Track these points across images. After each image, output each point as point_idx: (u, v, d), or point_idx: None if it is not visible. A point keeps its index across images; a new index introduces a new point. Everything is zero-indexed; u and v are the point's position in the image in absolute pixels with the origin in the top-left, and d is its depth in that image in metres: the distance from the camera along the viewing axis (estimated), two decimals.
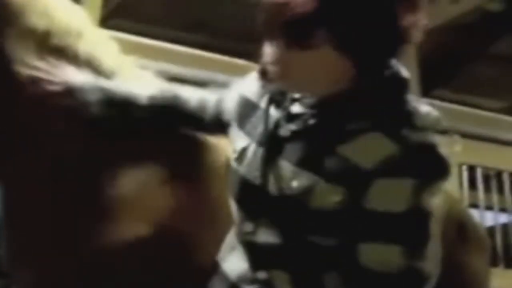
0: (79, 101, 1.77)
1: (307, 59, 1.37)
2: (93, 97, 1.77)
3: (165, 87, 1.90)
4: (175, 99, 1.81)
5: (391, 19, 1.36)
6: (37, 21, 1.79)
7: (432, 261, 1.43)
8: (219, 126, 1.75)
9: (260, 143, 1.53)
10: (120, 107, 1.79)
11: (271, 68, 1.42)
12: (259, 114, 1.56)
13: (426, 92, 6.97)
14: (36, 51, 1.79)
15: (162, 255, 1.75)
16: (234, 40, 6.78)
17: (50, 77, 1.77)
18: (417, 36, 1.39)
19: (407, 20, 1.36)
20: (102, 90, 1.78)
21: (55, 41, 1.82)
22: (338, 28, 1.34)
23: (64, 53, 1.83)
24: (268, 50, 1.43)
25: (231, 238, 1.66)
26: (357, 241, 1.40)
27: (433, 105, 1.49)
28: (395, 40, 1.39)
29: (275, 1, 1.38)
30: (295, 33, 1.35)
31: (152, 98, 1.81)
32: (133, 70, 1.99)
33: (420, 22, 1.39)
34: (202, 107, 1.79)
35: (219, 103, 1.76)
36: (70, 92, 1.77)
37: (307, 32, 1.34)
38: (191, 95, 1.82)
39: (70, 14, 1.88)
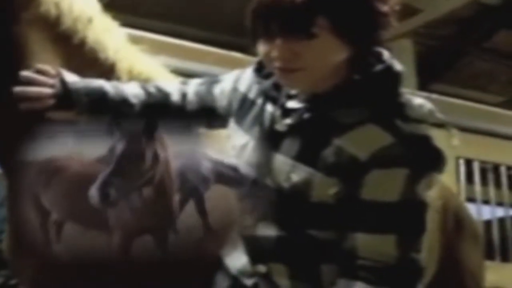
0: (68, 106, 1.64)
1: (312, 49, 1.37)
2: (82, 100, 1.65)
3: (149, 82, 1.86)
4: (161, 95, 1.78)
5: (371, 3, 1.38)
6: (49, 7, 1.76)
7: (425, 254, 1.44)
8: (202, 116, 1.75)
9: (258, 139, 1.53)
10: (109, 108, 1.74)
11: (278, 64, 1.41)
12: (256, 110, 1.57)
13: (423, 85, 6.99)
14: (46, 38, 1.76)
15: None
16: (232, 34, 6.79)
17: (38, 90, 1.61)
18: (393, 22, 1.42)
19: (384, 6, 1.39)
20: (90, 93, 1.66)
21: (64, 26, 1.78)
22: (335, 12, 1.35)
23: (71, 40, 1.80)
24: (264, 48, 1.42)
25: (234, 234, 1.67)
26: (353, 232, 1.42)
27: (430, 99, 1.50)
28: (378, 23, 1.41)
29: None
30: (297, 23, 1.35)
31: (140, 95, 1.77)
32: (142, 61, 1.96)
33: (393, 11, 1.41)
34: (183, 99, 1.77)
35: (204, 93, 1.75)
36: (59, 99, 1.62)
37: (309, 19, 1.34)
38: (173, 88, 1.80)
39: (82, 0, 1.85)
